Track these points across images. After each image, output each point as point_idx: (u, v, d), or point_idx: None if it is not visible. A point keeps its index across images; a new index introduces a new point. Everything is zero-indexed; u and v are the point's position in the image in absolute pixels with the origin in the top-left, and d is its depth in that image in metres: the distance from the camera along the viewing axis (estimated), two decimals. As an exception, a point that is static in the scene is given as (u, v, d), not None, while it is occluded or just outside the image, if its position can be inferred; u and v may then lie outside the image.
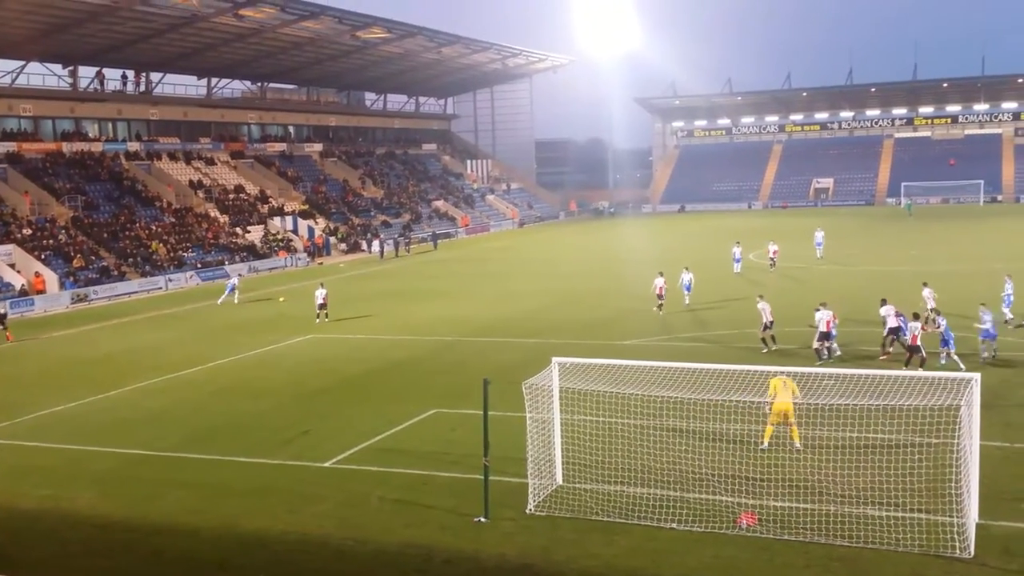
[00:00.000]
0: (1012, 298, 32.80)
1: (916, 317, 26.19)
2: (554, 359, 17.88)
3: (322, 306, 39.74)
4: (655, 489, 17.17)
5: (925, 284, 32.47)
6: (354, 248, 77.72)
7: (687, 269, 39.81)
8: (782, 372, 19.07)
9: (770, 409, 19.14)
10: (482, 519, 16.39)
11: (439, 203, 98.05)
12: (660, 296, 37.57)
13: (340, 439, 21.90)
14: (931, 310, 28.73)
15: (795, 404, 18.97)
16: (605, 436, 18.89)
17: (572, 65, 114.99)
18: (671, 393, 18.00)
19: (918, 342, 25.45)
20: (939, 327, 25.96)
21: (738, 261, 49.47)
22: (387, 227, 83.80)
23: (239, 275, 54.75)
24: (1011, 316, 32.08)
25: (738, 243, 50.92)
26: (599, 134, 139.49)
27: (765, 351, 28.91)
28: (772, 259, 50.76)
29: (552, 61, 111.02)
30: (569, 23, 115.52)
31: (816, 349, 27.62)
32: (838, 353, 27.79)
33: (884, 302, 28.20)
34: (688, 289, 39.00)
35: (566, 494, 17.32)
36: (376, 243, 75.03)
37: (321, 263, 69.86)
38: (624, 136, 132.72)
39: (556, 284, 49.95)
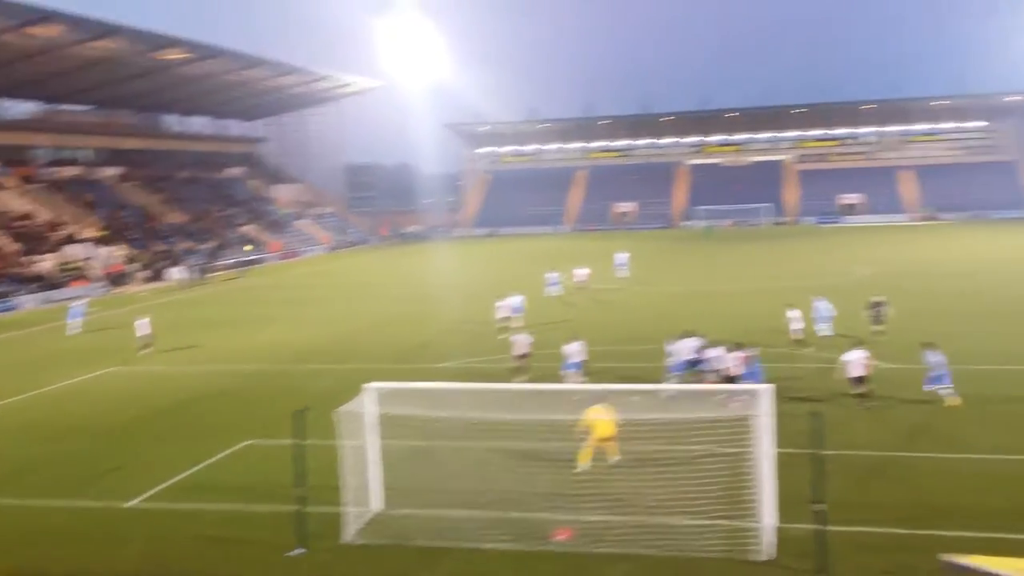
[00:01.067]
0: (827, 314, 33.31)
1: (739, 347, 25.07)
2: (367, 385, 17.85)
3: (144, 337, 37.76)
4: (474, 511, 17.37)
5: (791, 306, 32.71)
6: (156, 276, 74.43)
7: (516, 293, 40.32)
8: (598, 404, 19.59)
9: (587, 432, 19.63)
10: (299, 551, 16.11)
11: (247, 228, 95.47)
12: (506, 319, 38.12)
13: (149, 475, 20.93)
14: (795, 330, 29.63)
15: (615, 424, 19.53)
16: (424, 460, 18.98)
17: (382, 90, 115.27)
18: (488, 414, 18.29)
19: (732, 373, 24.21)
20: (747, 355, 24.74)
21: (554, 285, 50.39)
22: (192, 253, 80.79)
23: (80, 301, 50.42)
24: (830, 332, 32.85)
25: (554, 268, 52.16)
26: (410, 159, 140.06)
27: (518, 380, 27.76)
28: (580, 282, 52.20)
29: (360, 86, 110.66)
30: (378, 49, 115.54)
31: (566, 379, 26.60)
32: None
33: (688, 334, 26.94)
34: (518, 311, 39.43)
35: (385, 521, 17.27)
36: (177, 270, 72.07)
37: (121, 292, 66.48)
38: (435, 161, 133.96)
39: (370, 309, 49.68)
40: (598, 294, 50.47)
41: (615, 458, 19.75)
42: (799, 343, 31.78)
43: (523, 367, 28.98)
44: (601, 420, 19.31)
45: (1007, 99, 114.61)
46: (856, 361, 24.32)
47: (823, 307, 33.63)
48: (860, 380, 24.29)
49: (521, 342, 29.53)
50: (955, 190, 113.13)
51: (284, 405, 25.24)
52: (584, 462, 19.68)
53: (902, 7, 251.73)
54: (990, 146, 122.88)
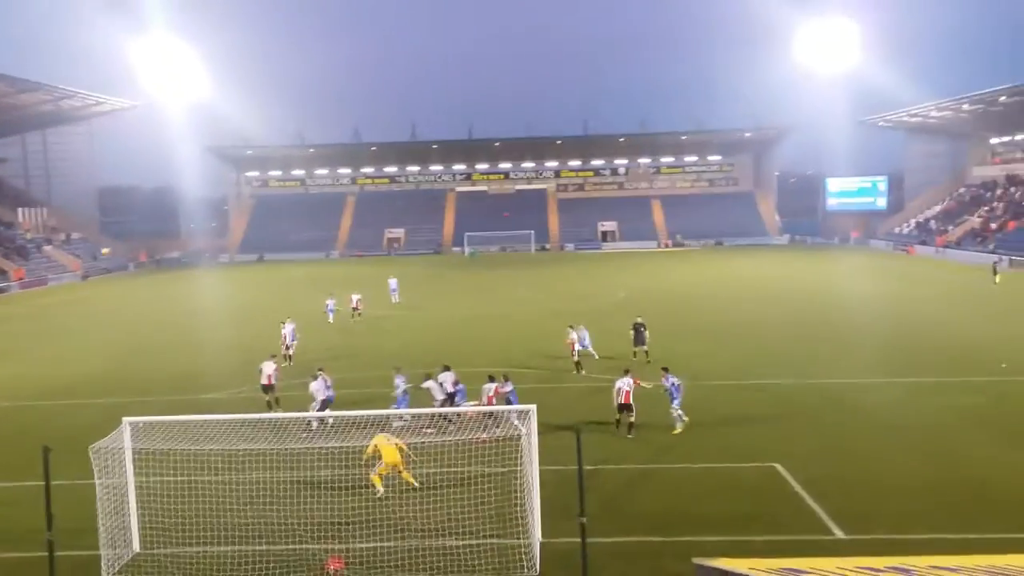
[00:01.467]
0: (587, 341, 34.92)
1: (492, 379, 24.95)
2: (125, 419, 17.07)
3: None
4: (241, 545, 16.94)
5: (571, 327, 34.51)
6: None
7: (289, 320, 39.23)
8: (383, 433, 19.60)
9: (376, 462, 19.54)
10: (51, 599, 15.11)
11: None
12: (288, 347, 37.07)
13: None
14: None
15: (402, 452, 19.57)
16: (186, 496, 18.29)
17: (140, 110, 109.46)
18: (254, 445, 17.91)
19: (487, 404, 23.73)
20: (506, 389, 24.57)
21: (331, 311, 50.10)
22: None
23: None
24: (594, 355, 34.76)
25: (332, 295, 51.54)
26: (171, 182, 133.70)
27: (273, 413, 26.12)
28: (356, 308, 51.85)
29: (113, 105, 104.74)
30: (137, 69, 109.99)
31: (311, 420, 24.71)
32: (329, 422, 24.44)
33: (446, 368, 26.47)
34: (292, 339, 38.43)
35: (145, 562, 16.52)
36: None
37: None
38: (197, 184, 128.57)
39: (128, 339, 47.04)
40: (371, 320, 50.34)
41: (414, 484, 19.59)
42: (577, 364, 33.22)
43: (271, 399, 28.09)
44: (387, 446, 19.38)
45: (745, 135, 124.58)
46: (623, 388, 24.14)
47: (584, 332, 35.36)
48: (627, 407, 24.17)
49: (265, 370, 28.58)
50: (699, 218, 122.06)
51: (32, 444, 23.54)
52: (379, 486, 19.47)
53: (652, 50, 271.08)
54: (729, 178, 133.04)
